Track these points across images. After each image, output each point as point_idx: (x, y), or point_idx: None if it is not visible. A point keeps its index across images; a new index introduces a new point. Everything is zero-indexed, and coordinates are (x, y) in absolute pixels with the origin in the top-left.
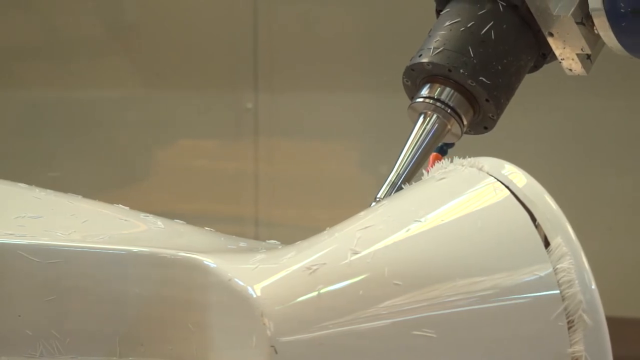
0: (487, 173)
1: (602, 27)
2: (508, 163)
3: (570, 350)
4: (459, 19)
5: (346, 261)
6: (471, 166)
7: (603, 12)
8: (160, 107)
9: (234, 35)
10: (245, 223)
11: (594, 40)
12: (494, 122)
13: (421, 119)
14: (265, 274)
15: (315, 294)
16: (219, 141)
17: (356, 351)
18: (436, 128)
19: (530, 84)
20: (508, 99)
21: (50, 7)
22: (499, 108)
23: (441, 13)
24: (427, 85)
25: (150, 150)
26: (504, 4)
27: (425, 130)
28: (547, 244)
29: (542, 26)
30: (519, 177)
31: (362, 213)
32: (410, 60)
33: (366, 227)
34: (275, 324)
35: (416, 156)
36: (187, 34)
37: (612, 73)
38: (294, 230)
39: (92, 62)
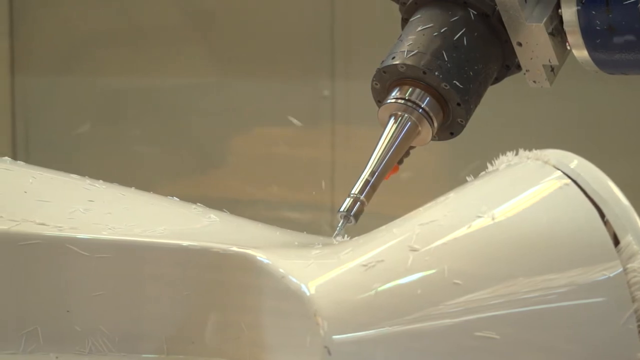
0: (554, 166)
1: (576, 43)
2: (576, 156)
3: None
4: (431, 25)
5: (404, 258)
6: (537, 159)
7: (578, 29)
8: (237, 94)
9: (311, 23)
10: (321, 210)
11: (562, 51)
12: (461, 127)
13: (392, 119)
14: (319, 270)
15: (371, 292)
16: (296, 128)
17: (413, 353)
18: (409, 126)
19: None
20: (476, 105)
21: None
22: (469, 113)
23: (410, 20)
24: (398, 88)
25: (227, 137)
26: (475, 13)
27: (398, 129)
28: (616, 242)
29: (511, 35)
30: (587, 171)
31: (422, 208)
32: (382, 63)
33: (426, 223)
34: (329, 323)
35: (389, 153)
36: (265, 22)
37: None
38: (370, 217)
39: (170, 49)
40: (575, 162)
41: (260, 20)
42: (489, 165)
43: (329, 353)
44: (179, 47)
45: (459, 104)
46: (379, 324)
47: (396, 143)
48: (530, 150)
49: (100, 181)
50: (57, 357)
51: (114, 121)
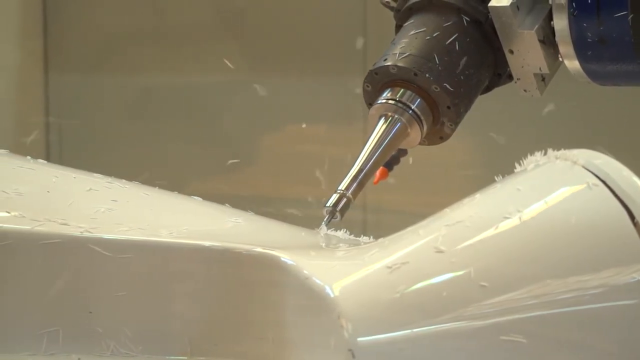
0: (582, 167)
1: (568, 54)
2: (605, 156)
3: None
4: (424, 29)
5: (430, 260)
6: (565, 159)
7: (569, 40)
8: (268, 92)
9: (343, 20)
10: (353, 209)
11: (553, 60)
12: (451, 131)
13: (382, 120)
14: (344, 272)
15: (396, 294)
16: (327, 126)
17: (438, 356)
18: (398, 127)
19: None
20: (466, 110)
21: None
22: (459, 117)
23: (404, 25)
24: (389, 89)
25: (258, 136)
26: (468, 19)
27: (387, 129)
28: None
29: (503, 42)
30: (616, 171)
31: (448, 208)
32: (374, 64)
33: (452, 224)
34: (353, 325)
35: (378, 152)
36: (296, 19)
37: None
38: (403, 216)
39: (201, 47)
40: (604, 162)
41: (291, 18)
42: (517, 165)
43: (353, 356)
44: (211, 45)
45: (449, 107)
46: (403, 326)
47: (385, 143)
48: (558, 149)
49: (123, 180)
50: (79, 359)
51: (147, 119)
